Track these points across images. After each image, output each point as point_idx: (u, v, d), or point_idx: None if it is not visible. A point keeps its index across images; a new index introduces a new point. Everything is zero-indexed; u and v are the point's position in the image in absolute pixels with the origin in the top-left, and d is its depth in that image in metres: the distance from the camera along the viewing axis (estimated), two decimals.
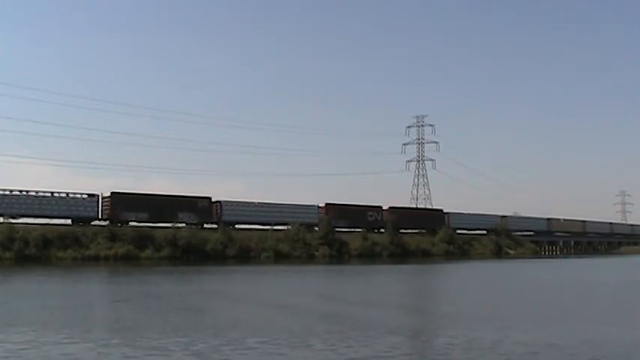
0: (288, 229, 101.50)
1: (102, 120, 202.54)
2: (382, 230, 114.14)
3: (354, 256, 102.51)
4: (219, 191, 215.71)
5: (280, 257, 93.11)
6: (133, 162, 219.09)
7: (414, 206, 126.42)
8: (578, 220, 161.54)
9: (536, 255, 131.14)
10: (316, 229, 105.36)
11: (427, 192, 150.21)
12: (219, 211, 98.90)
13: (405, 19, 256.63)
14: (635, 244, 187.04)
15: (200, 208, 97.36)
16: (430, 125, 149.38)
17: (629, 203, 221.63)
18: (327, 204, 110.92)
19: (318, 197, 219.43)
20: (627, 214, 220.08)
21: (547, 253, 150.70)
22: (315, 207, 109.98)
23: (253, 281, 46.79)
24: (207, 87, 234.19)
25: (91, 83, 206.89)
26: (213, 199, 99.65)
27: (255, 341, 16.14)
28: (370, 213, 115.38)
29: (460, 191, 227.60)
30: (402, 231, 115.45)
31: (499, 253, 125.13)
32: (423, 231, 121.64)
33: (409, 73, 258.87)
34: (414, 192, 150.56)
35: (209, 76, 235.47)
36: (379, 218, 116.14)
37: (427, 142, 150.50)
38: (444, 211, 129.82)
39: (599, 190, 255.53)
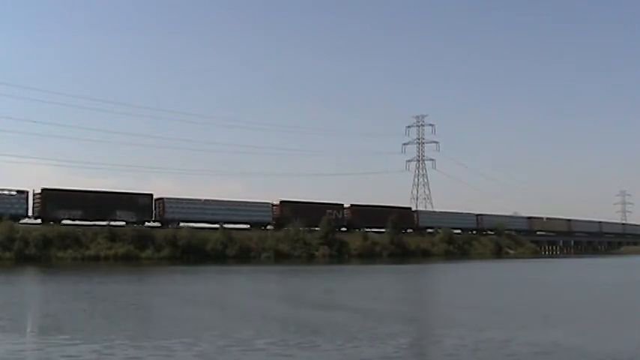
0: (288, 230, 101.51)
1: (102, 120, 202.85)
2: (344, 229, 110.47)
3: (354, 256, 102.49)
4: (219, 191, 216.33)
5: (280, 257, 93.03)
6: (133, 162, 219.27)
7: (381, 204, 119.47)
8: (563, 219, 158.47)
9: (536, 255, 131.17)
10: (270, 227, 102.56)
11: (427, 192, 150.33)
12: (161, 208, 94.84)
13: (405, 19, 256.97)
14: (635, 243, 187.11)
15: (140, 205, 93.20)
16: (430, 125, 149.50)
17: (629, 203, 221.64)
18: (281, 201, 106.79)
19: (318, 197, 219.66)
20: (627, 214, 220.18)
21: (547, 253, 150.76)
22: (269, 205, 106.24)
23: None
24: (207, 87, 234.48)
25: (91, 83, 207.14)
26: (155, 196, 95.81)
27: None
28: (330, 211, 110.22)
29: (460, 191, 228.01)
30: (366, 230, 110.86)
31: (499, 253, 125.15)
32: (384, 230, 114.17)
33: (409, 73, 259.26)
34: (414, 192, 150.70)
35: (209, 76, 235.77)
36: (340, 216, 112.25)
37: (427, 142, 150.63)
38: (413, 209, 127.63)
39: (599, 190, 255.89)
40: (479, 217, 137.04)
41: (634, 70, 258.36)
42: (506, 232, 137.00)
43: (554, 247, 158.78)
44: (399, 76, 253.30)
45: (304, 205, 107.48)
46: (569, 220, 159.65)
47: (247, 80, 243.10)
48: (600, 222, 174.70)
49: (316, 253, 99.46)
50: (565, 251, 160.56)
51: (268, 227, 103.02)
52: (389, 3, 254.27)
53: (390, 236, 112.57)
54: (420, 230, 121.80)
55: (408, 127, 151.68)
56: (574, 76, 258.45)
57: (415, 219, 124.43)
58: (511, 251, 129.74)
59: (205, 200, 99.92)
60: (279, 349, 15.02)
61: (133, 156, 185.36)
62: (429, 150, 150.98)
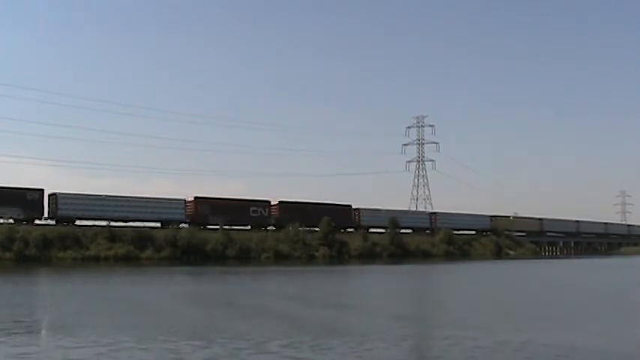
0: (288, 230, 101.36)
1: (102, 120, 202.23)
2: (270, 228, 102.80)
3: (354, 256, 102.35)
4: (219, 191, 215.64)
5: (280, 258, 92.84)
6: (133, 162, 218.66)
7: (319, 201, 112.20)
8: (534, 218, 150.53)
9: (536, 255, 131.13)
10: (184, 226, 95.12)
11: (427, 192, 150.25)
12: (54, 205, 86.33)
13: (405, 20, 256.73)
14: (635, 244, 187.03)
15: (29, 201, 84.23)
16: (430, 126, 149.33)
17: (629, 203, 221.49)
18: (196, 197, 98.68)
19: (318, 197, 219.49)
20: (627, 214, 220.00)
21: (547, 253, 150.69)
22: (182, 201, 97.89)
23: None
24: (207, 87, 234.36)
25: (91, 83, 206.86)
26: (48, 191, 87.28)
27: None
28: (254, 208, 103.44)
29: (460, 191, 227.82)
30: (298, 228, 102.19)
31: (499, 254, 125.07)
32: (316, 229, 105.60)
33: (409, 73, 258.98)
34: (414, 192, 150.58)
35: (209, 76, 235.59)
36: (265, 214, 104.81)
37: (427, 143, 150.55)
38: (354, 206, 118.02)
39: (599, 190, 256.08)
40: (433, 215, 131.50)
41: (634, 70, 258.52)
42: (457, 232, 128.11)
43: (554, 248, 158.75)
44: (399, 77, 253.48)
45: (224, 202, 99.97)
46: (540, 219, 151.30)
47: (247, 80, 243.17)
48: (578, 221, 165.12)
49: (316, 254, 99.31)
50: (565, 252, 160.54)
51: (181, 226, 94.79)
52: (389, 3, 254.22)
53: (390, 237, 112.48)
54: (361, 229, 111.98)
55: (408, 127, 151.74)
56: (574, 76, 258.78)
57: (356, 217, 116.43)
58: (511, 252, 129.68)
59: (107, 196, 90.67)
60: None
61: (133, 156, 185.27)
62: (429, 151, 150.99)
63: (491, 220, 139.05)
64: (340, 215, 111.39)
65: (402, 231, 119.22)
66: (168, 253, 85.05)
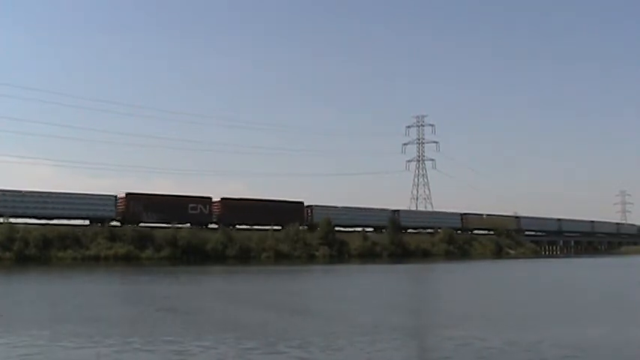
0: (287, 229, 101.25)
1: (102, 120, 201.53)
2: (212, 226, 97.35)
3: (354, 256, 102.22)
4: (220, 191, 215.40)
5: (280, 257, 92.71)
6: (134, 162, 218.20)
7: (271, 198, 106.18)
8: (511, 216, 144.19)
9: (536, 255, 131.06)
10: (116, 224, 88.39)
11: (427, 192, 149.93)
12: None
13: (405, 19, 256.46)
14: (635, 243, 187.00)
15: None
16: (430, 125, 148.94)
17: (629, 203, 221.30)
18: (127, 194, 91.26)
19: (319, 197, 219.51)
20: (627, 213, 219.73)
21: (547, 253, 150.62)
22: (113, 198, 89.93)
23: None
24: (208, 87, 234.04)
25: (91, 83, 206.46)
26: None
27: None
28: (192, 205, 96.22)
29: (460, 191, 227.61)
30: (242, 227, 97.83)
31: (499, 253, 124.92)
32: (278, 227, 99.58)
33: (409, 72, 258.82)
34: (414, 192, 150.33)
35: (209, 76, 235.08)
36: (206, 212, 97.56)
37: (427, 142, 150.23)
38: (306, 203, 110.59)
39: (599, 190, 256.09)
40: (395, 212, 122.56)
41: (635, 69, 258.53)
42: (423, 231, 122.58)
43: (554, 247, 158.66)
44: (399, 76, 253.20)
45: (159, 199, 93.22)
46: (517, 217, 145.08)
47: (247, 80, 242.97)
48: (560, 219, 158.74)
49: (316, 254, 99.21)
50: (565, 251, 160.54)
51: (113, 223, 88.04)
52: (389, 3, 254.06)
53: (390, 236, 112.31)
54: (314, 227, 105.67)
55: (408, 127, 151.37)
56: (575, 75, 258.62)
57: (308, 215, 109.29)
58: (511, 251, 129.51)
59: (26, 192, 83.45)
60: None
61: (133, 156, 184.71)
62: (429, 150, 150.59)
63: (461, 219, 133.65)
64: (291, 213, 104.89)
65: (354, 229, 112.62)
66: (168, 253, 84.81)
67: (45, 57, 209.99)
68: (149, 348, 15.22)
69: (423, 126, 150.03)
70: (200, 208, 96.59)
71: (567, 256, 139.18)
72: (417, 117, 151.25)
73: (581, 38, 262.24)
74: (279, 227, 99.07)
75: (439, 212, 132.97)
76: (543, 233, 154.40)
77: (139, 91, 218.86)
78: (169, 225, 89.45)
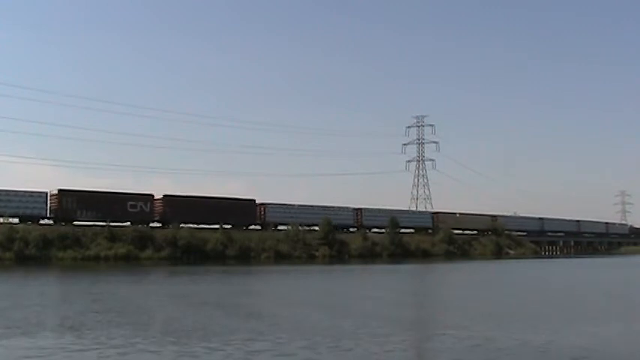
0: (288, 229, 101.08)
1: (102, 120, 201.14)
2: (153, 225, 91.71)
3: (354, 256, 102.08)
4: (220, 191, 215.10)
5: (280, 258, 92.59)
6: (132, 162, 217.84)
7: (218, 195, 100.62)
8: (487, 215, 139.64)
9: (536, 255, 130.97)
10: (48, 222, 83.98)
11: (427, 192, 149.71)
12: None
13: (405, 19, 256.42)
14: (635, 244, 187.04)
15: None
16: (430, 125, 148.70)
17: (629, 203, 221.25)
18: (60, 190, 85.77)
19: (318, 197, 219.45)
20: (627, 213, 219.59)
21: (547, 253, 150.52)
22: (44, 194, 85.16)
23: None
24: (208, 87, 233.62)
25: (91, 83, 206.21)
26: None
27: None
28: (132, 202, 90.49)
29: (460, 191, 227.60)
30: (189, 225, 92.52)
31: (499, 253, 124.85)
32: (228, 226, 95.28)
33: (409, 72, 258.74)
34: (414, 192, 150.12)
35: (209, 76, 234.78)
36: (147, 209, 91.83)
37: (427, 142, 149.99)
38: (258, 201, 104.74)
39: (599, 190, 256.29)
40: (357, 211, 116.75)
41: (635, 69, 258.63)
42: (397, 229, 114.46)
43: (554, 248, 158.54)
44: (399, 76, 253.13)
45: (95, 196, 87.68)
46: (493, 216, 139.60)
47: (247, 80, 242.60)
48: (542, 218, 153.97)
49: (316, 254, 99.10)
50: (565, 251, 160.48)
51: (44, 222, 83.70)
52: (389, 3, 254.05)
53: (390, 236, 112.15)
54: (267, 226, 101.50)
55: (408, 127, 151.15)
56: (575, 75, 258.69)
57: (260, 213, 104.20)
58: (511, 251, 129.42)
59: None
60: None
61: (132, 155, 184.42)
62: (429, 150, 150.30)
63: (433, 218, 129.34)
64: (242, 211, 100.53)
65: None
66: (168, 253, 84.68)
67: (44, 56, 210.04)
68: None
69: (423, 126, 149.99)
70: (141, 206, 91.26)
71: (567, 256, 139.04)
72: (417, 117, 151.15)
73: (580, 38, 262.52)
74: (229, 226, 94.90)
75: (407, 211, 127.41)
76: (524, 232, 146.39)
77: (139, 90, 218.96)
78: (105, 224, 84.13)
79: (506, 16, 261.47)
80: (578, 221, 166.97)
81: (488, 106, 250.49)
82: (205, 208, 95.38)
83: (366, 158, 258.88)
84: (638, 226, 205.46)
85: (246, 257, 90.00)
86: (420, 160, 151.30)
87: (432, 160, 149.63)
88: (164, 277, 51.02)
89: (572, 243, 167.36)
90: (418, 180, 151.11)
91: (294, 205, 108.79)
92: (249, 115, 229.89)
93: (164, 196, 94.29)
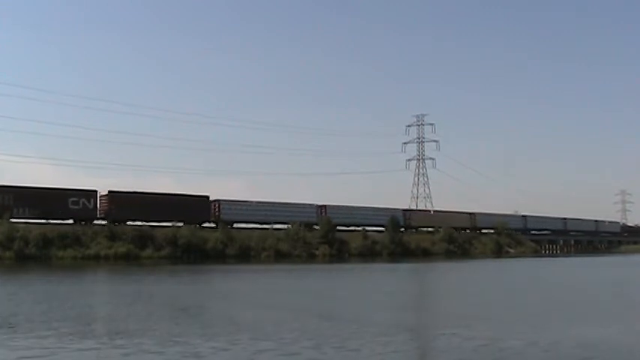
0: (288, 228, 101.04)
1: (102, 120, 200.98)
2: (97, 222, 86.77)
3: (355, 255, 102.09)
4: (220, 191, 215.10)
5: (280, 256, 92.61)
6: (132, 161, 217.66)
7: (170, 192, 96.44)
8: (465, 213, 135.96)
9: (536, 254, 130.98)
10: None
11: (427, 191, 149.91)
12: None
13: (405, 18, 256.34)
14: (635, 242, 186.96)
15: None
16: (430, 124, 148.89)
17: (629, 202, 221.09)
18: None
19: (318, 197, 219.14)
20: (627, 213, 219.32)
21: (547, 251, 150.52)
22: None
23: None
24: (208, 86, 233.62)
25: (91, 83, 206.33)
26: None
27: None
28: (74, 199, 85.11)
29: (460, 190, 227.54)
30: (136, 223, 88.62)
31: (499, 252, 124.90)
32: (179, 224, 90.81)
33: (409, 72, 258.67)
34: (414, 191, 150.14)
35: (209, 75, 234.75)
36: (90, 206, 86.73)
37: (427, 141, 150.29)
38: (211, 198, 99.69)
39: (599, 190, 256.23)
40: (322, 207, 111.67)
41: (635, 69, 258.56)
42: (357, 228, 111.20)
43: (554, 246, 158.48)
44: (399, 75, 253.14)
45: (31, 192, 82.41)
46: (471, 213, 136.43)
47: (247, 80, 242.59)
48: (525, 216, 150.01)
49: (316, 253, 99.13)
50: (565, 250, 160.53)
51: None
52: (389, 3, 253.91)
53: (390, 235, 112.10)
54: (223, 224, 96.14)
55: (408, 126, 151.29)
56: (575, 74, 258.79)
57: (215, 210, 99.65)
58: (511, 250, 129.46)
59: None
60: None
61: (133, 155, 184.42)
62: (429, 149, 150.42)
63: (404, 215, 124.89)
64: (194, 208, 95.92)
65: (279, 226, 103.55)
66: (168, 252, 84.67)
67: (44, 56, 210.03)
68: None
69: (423, 125, 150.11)
70: (83, 203, 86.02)
71: (568, 255, 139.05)
72: (417, 116, 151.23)
73: (580, 38, 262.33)
74: (181, 224, 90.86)
75: (376, 208, 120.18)
76: (506, 231, 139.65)
77: (139, 90, 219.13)
78: (45, 221, 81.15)
79: (506, 16, 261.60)
80: (564, 219, 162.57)
81: (488, 106, 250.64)
82: (154, 205, 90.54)
83: (366, 158, 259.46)
84: (631, 224, 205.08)
85: (246, 256, 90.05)
86: (420, 158, 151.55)
87: (432, 159, 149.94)
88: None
89: (572, 242, 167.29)
90: (418, 179, 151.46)
91: (251, 202, 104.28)
92: (249, 114, 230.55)
93: (109, 192, 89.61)
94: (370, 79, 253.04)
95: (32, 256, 73.00)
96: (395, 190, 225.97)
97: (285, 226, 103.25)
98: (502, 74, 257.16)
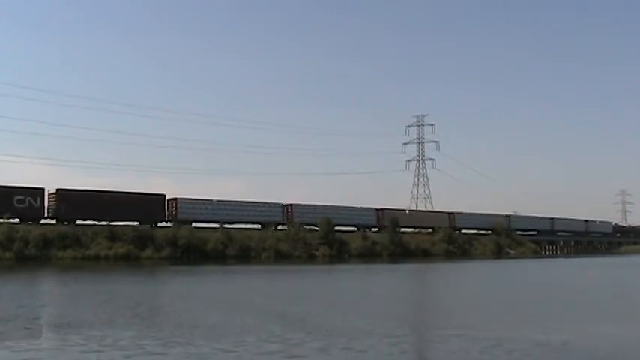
0: (287, 229, 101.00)
1: (102, 120, 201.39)
2: (44, 222, 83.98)
3: (355, 255, 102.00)
4: (220, 191, 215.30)
5: (280, 257, 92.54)
6: (132, 161, 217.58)
7: (123, 190, 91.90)
8: (444, 212, 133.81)
9: (536, 254, 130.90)
10: None
11: (427, 191, 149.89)
12: None
13: (405, 19, 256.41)
14: (635, 243, 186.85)
15: None
16: (430, 125, 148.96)
17: (629, 203, 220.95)
18: None
19: (318, 197, 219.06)
20: (627, 213, 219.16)
21: (547, 252, 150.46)
22: None
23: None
24: (208, 86, 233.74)
25: (91, 83, 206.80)
26: None
27: None
28: (20, 197, 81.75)
29: (460, 191, 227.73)
30: (87, 223, 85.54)
31: (499, 253, 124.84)
32: (135, 224, 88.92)
33: (409, 72, 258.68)
34: (414, 191, 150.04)
35: (209, 76, 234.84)
36: (37, 205, 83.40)
37: (427, 142, 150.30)
38: (169, 197, 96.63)
39: (600, 190, 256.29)
40: (287, 207, 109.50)
41: (635, 69, 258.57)
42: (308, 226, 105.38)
43: (554, 247, 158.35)
44: (399, 75, 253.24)
45: None
46: (450, 213, 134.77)
47: (247, 80, 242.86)
48: (509, 215, 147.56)
49: (316, 253, 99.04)
50: (565, 251, 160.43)
51: None
52: (389, 3, 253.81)
53: (390, 236, 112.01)
54: (180, 223, 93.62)
55: (408, 126, 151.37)
56: (575, 74, 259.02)
57: (172, 209, 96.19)
58: (511, 251, 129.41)
59: None
60: None
61: (132, 155, 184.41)
62: (429, 150, 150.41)
63: (377, 215, 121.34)
64: (149, 207, 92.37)
65: (243, 226, 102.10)
66: (168, 253, 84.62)
67: (44, 56, 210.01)
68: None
69: (423, 125, 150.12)
70: (29, 201, 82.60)
71: (568, 255, 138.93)
72: (417, 117, 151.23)
73: (580, 38, 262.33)
74: (136, 223, 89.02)
75: (347, 207, 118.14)
76: (484, 230, 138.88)
77: (139, 90, 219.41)
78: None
79: (506, 16, 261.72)
80: (551, 219, 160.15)
81: (488, 106, 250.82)
82: (106, 204, 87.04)
83: (366, 158, 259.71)
84: (624, 224, 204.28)
85: (246, 257, 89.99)
86: (420, 159, 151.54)
87: (432, 159, 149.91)
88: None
89: (573, 242, 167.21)
90: (418, 179, 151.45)
91: (211, 201, 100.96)
92: (249, 114, 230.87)
93: (57, 190, 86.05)
94: (370, 79, 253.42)
95: (32, 257, 72.91)
96: (395, 191, 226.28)
97: (249, 227, 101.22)
98: (502, 74, 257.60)
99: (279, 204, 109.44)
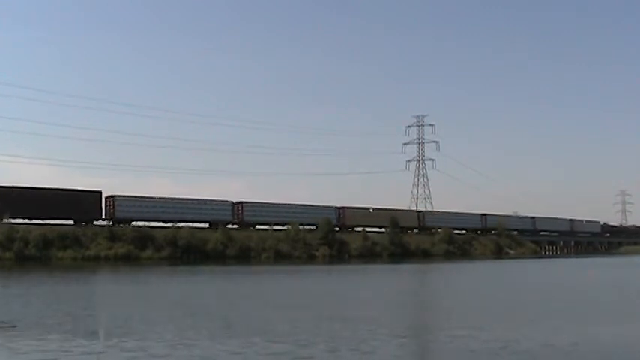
0: (288, 229, 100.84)
1: (102, 120, 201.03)
2: None
3: (355, 256, 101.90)
4: (220, 191, 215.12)
5: (280, 257, 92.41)
6: (131, 161, 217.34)
7: (57, 187, 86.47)
8: (413, 210, 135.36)
9: (536, 254, 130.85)
10: None
11: (427, 192, 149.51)
12: None
13: (405, 19, 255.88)
14: (636, 243, 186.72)
15: None
16: (430, 125, 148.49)
17: (629, 203, 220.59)
18: None
19: (319, 197, 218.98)
20: (627, 213, 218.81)
21: (547, 252, 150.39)
22: None
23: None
24: (208, 86, 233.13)
25: (91, 83, 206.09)
26: None
27: None
28: None
29: (460, 191, 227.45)
30: (18, 221, 79.79)
31: (499, 253, 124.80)
32: (69, 223, 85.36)
33: (409, 72, 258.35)
34: (414, 192, 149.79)
35: (209, 76, 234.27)
36: None
37: (427, 142, 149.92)
38: (106, 194, 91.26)
39: (600, 190, 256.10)
40: (237, 205, 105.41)
41: (635, 69, 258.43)
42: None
43: (554, 247, 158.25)
44: (399, 75, 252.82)
45: None
46: (419, 212, 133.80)
47: (247, 80, 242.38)
48: (485, 215, 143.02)
49: (316, 253, 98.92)
50: (565, 251, 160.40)
51: None
52: (389, 3, 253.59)
53: (390, 236, 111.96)
54: (119, 223, 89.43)
55: (408, 127, 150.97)
56: (575, 74, 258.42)
57: (110, 208, 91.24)
58: (511, 251, 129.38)
59: None
60: None
61: (131, 155, 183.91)
62: (429, 150, 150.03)
63: (338, 213, 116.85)
64: (83, 205, 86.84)
65: (195, 225, 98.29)
66: (168, 253, 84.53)
67: (44, 56, 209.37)
68: None
69: (423, 126, 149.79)
70: None
71: (568, 255, 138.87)
72: (417, 117, 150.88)
73: (580, 38, 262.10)
74: (72, 222, 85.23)
75: (303, 205, 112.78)
76: (463, 231, 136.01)
77: (139, 90, 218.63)
78: None
79: (506, 16, 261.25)
80: (533, 218, 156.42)
81: (488, 106, 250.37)
82: (39, 202, 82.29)
83: (366, 158, 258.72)
84: (614, 224, 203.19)
85: (246, 257, 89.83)
86: (420, 159, 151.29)
87: (432, 159, 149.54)
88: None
89: (573, 243, 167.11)
90: (418, 180, 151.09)
91: (153, 198, 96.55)
92: (249, 114, 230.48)
93: None
94: (370, 79, 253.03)
95: (32, 257, 72.79)
96: (395, 191, 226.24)
97: (195, 225, 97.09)
98: (502, 74, 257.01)
99: (229, 202, 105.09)
